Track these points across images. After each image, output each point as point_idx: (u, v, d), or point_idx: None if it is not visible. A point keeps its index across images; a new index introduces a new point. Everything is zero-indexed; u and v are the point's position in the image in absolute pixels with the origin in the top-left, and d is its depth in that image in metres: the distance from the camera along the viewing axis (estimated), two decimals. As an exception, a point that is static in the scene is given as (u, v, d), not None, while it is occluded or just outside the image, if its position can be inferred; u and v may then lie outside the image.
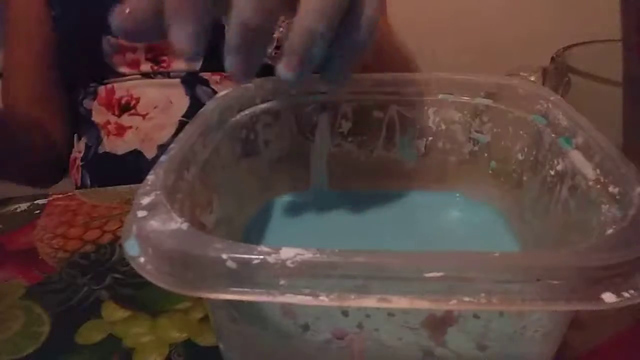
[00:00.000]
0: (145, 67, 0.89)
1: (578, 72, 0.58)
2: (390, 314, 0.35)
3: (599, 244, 0.31)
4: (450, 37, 1.24)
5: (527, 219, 0.51)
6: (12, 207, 0.76)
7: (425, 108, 0.56)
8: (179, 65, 0.88)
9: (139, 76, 0.91)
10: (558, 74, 0.60)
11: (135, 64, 0.89)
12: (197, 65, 0.89)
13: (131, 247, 0.33)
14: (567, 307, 0.29)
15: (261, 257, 0.29)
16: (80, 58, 0.93)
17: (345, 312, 0.35)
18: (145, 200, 0.35)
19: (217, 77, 0.89)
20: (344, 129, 0.58)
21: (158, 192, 0.35)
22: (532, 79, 0.63)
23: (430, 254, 0.29)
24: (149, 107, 0.89)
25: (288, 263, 0.29)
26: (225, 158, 0.51)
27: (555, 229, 0.45)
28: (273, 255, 0.29)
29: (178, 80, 0.89)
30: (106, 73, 0.92)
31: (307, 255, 0.29)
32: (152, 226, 0.32)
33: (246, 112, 0.54)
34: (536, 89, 0.52)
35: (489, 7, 1.16)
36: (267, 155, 0.57)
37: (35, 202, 0.77)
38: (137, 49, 0.87)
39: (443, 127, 0.57)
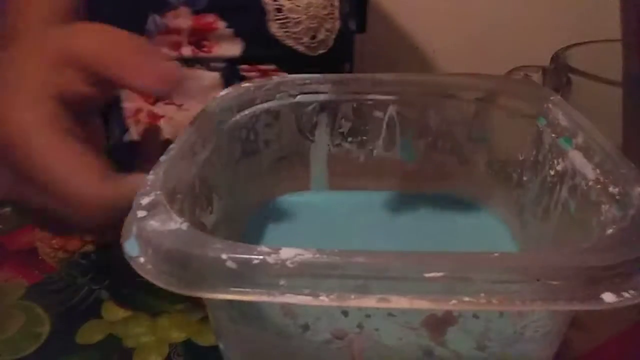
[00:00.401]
0: (187, 50, 0.87)
1: (578, 72, 0.59)
2: (391, 314, 0.35)
3: (599, 243, 0.31)
4: (450, 36, 1.24)
5: (527, 220, 0.51)
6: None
7: (425, 108, 0.56)
8: (221, 50, 0.88)
9: (177, 62, 0.89)
10: (558, 74, 0.60)
11: (177, 46, 0.87)
12: (238, 50, 0.89)
13: (131, 247, 0.33)
14: (567, 307, 0.29)
15: (261, 257, 0.30)
16: None
17: (345, 312, 0.35)
18: (145, 200, 0.35)
19: (255, 74, 0.89)
20: (344, 129, 0.58)
21: (158, 192, 0.36)
22: (533, 79, 0.63)
23: (430, 255, 0.30)
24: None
25: (288, 263, 0.29)
26: (225, 158, 0.51)
27: (555, 230, 0.46)
28: (273, 256, 0.29)
29: (217, 74, 0.89)
30: None
31: (307, 255, 0.29)
32: (152, 226, 0.33)
33: (246, 112, 0.54)
34: (536, 89, 0.52)
35: (489, 6, 1.16)
36: (267, 155, 0.58)
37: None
38: (181, 31, 0.86)
39: (443, 127, 0.57)
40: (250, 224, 0.56)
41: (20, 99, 0.43)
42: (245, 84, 0.55)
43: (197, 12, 0.83)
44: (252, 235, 0.55)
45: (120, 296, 0.59)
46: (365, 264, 0.29)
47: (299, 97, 0.57)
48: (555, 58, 0.63)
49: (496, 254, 0.29)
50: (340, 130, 0.58)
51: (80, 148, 0.44)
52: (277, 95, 0.56)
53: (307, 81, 0.56)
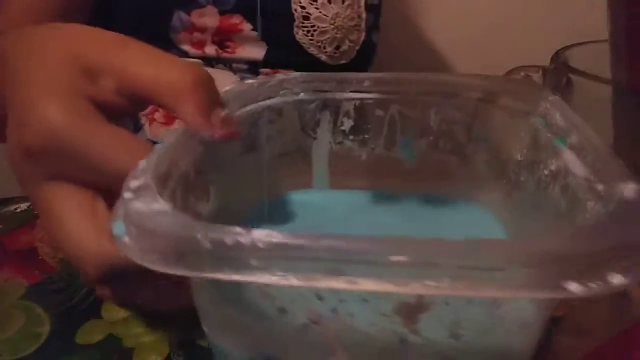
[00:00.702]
0: (210, 49, 0.90)
1: (578, 72, 0.60)
2: (364, 299, 0.37)
3: (569, 234, 0.32)
4: (450, 36, 1.25)
5: (523, 219, 0.52)
6: (12, 207, 0.77)
7: (426, 107, 0.58)
8: (244, 52, 0.91)
9: (200, 60, 0.92)
10: (558, 74, 0.61)
11: (200, 45, 0.90)
12: (261, 54, 0.92)
13: (117, 227, 0.35)
14: (530, 295, 0.31)
15: (234, 237, 0.32)
16: (144, 29, 0.88)
17: (320, 297, 0.37)
18: (134, 184, 0.37)
19: None
20: (345, 127, 0.60)
21: (147, 176, 0.38)
22: (533, 79, 0.64)
23: (397, 238, 0.31)
24: None
25: (259, 244, 0.31)
26: (224, 151, 0.53)
27: (546, 229, 0.47)
28: (245, 236, 0.32)
29: (238, 76, 0.91)
30: (167, 49, 0.88)
31: (278, 237, 0.31)
32: (137, 207, 0.35)
33: (248, 108, 0.56)
34: (535, 89, 0.53)
35: (488, 7, 1.17)
36: (268, 152, 0.60)
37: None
38: (206, 30, 0.88)
39: (444, 127, 0.59)
40: (250, 220, 0.58)
41: (47, 99, 0.44)
42: (249, 81, 0.57)
43: (223, 12, 0.84)
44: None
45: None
46: (333, 247, 0.31)
47: (301, 94, 0.58)
48: (555, 58, 0.64)
49: (462, 241, 0.31)
50: (342, 128, 0.60)
51: (115, 127, 0.45)
52: (280, 92, 0.58)
53: (310, 79, 0.58)
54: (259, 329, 0.41)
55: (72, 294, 0.61)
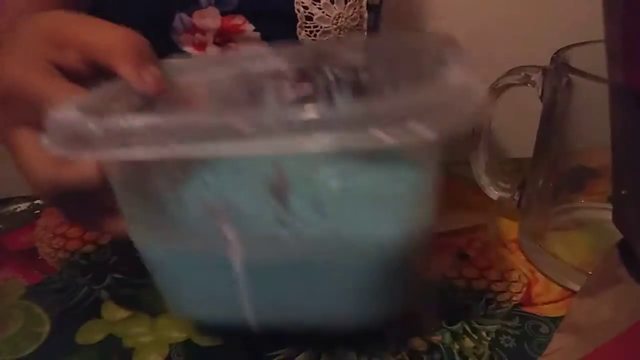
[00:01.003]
0: (212, 51, 0.90)
1: (578, 72, 0.61)
2: (243, 186, 0.44)
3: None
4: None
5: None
6: (12, 207, 0.80)
7: (357, 69, 0.63)
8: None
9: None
10: (558, 74, 0.63)
11: (202, 46, 0.90)
12: None
13: (43, 137, 0.44)
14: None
15: (116, 122, 0.40)
16: (145, 30, 0.89)
17: (206, 185, 0.45)
18: (62, 106, 0.45)
19: None
20: (288, 91, 0.65)
21: (74, 102, 0.46)
22: (533, 79, 0.66)
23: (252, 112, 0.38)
24: None
25: (138, 126, 0.39)
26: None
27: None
28: (125, 121, 0.39)
29: None
30: (169, 51, 0.89)
31: (154, 119, 0.39)
32: (55, 116, 0.43)
33: (195, 78, 0.62)
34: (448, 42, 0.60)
35: (488, 7, 1.18)
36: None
37: (35, 202, 0.80)
38: (207, 31, 0.88)
39: (373, 86, 0.63)
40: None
41: (13, 60, 0.55)
42: (198, 54, 0.62)
43: (225, 13, 0.86)
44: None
45: (120, 296, 0.63)
46: (198, 122, 0.39)
47: (248, 65, 0.63)
48: (555, 58, 0.65)
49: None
50: (286, 93, 0.65)
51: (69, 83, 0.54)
52: (225, 65, 0.64)
53: (254, 53, 0.64)
54: (165, 225, 0.47)
55: (72, 294, 0.63)
